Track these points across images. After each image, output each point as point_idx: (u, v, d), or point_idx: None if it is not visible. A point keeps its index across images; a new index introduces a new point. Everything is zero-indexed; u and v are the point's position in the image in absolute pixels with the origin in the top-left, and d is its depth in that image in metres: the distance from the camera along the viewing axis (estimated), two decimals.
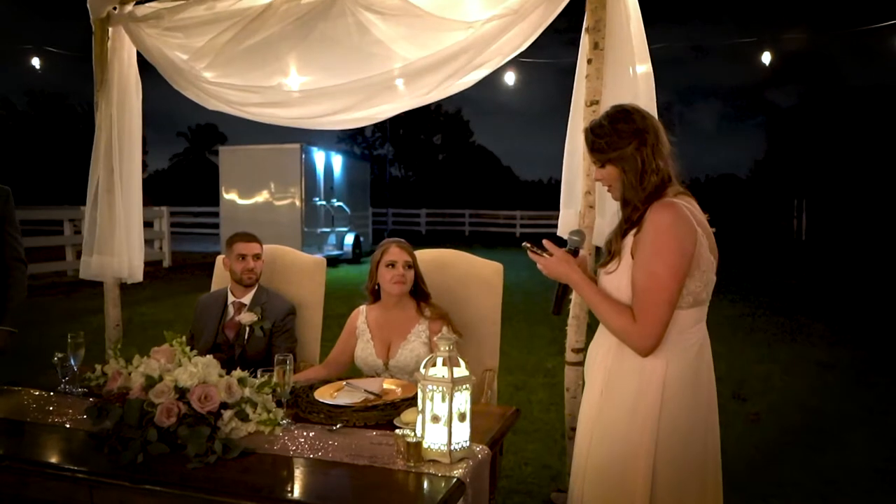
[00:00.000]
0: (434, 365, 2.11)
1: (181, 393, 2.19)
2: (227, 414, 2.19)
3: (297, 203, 15.67)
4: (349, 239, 18.04)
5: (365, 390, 2.63)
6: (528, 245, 2.26)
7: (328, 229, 17.05)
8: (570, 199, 3.17)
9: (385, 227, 27.45)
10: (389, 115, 3.64)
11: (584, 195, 3.04)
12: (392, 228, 28.27)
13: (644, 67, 3.05)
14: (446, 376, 2.06)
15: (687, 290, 2.06)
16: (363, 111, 3.56)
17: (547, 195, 41.39)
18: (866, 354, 7.66)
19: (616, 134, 2.15)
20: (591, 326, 3.20)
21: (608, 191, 2.28)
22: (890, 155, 28.24)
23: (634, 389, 2.12)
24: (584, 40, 3.05)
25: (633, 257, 2.08)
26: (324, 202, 16.77)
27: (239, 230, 3.77)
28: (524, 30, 3.14)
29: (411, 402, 2.53)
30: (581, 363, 3.12)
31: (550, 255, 2.24)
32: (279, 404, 2.35)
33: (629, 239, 2.12)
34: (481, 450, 2.15)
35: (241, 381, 2.27)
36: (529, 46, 3.27)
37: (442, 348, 2.09)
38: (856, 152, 29.68)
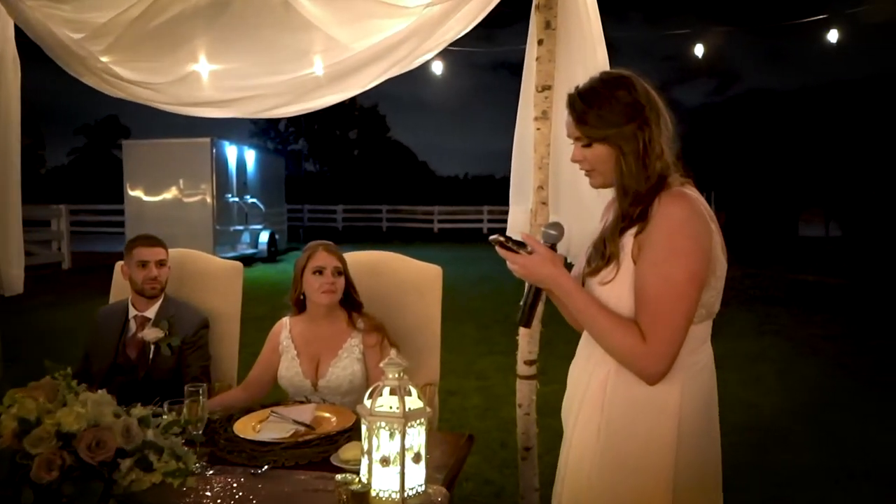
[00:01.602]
0: (381, 394, 1.77)
1: (66, 440, 1.75)
2: (126, 464, 1.76)
3: (209, 200, 14.93)
4: (264, 237, 17.37)
5: (294, 420, 2.25)
6: (500, 239, 1.81)
7: (242, 227, 16.36)
8: (520, 196, 2.85)
9: (301, 224, 26.75)
10: (324, 106, 3.24)
11: (535, 191, 2.72)
12: (308, 225, 27.60)
13: (601, 52, 2.75)
14: (396, 409, 1.71)
15: (701, 300, 1.70)
16: (296, 106, 3.15)
17: (463, 191, 41.44)
18: (791, 346, 7.72)
19: (614, 104, 1.73)
20: (545, 336, 2.94)
21: (588, 175, 1.86)
22: (791, 147, 29.33)
23: (646, 425, 1.73)
24: (534, 19, 2.73)
25: (633, 261, 1.70)
26: (237, 199, 16.07)
27: (146, 229, 3.30)
28: (470, 12, 2.80)
29: (349, 433, 2.18)
30: (534, 377, 2.83)
31: (529, 251, 1.79)
32: (190, 444, 1.96)
33: (627, 239, 1.72)
34: (437, 492, 1.81)
35: (143, 422, 1.85)
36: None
37: (390, 375, 1.75)
38: (761, 148, 30.69)
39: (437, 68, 8.94)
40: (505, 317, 9.33)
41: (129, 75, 3.13)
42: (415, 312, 3.08)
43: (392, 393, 1.75)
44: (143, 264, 3.01)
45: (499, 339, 7.75)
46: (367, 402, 1.74)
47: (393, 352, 1.79)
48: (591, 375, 1.83)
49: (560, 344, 2.01)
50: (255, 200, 16.99)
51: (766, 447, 4.63)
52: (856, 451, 4.60)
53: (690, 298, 1.66)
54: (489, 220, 27.15)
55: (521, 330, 2.81)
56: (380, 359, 2.73)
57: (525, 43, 2.82)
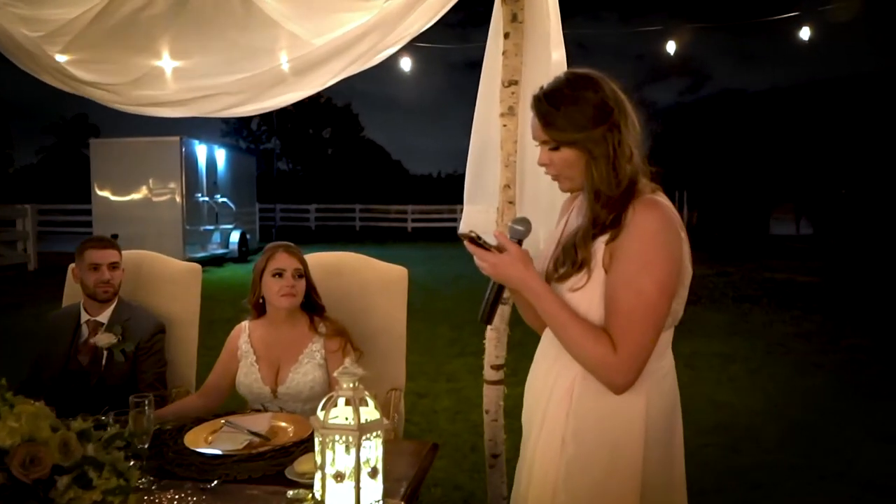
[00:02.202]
0: (335, 405, 1.67)
1: None
2: (63, 481, 1.65)
3: (178, 199, 14.68)
4: (235, 236, 17.15)
5: (248, 431, 2.14)
6: (474, 234, 1.74)
7: (212, 227, 16.13)
8: (475, 194, 2.75)
9: (273, 224, 26.49)
10: (285, 105, 3.14)
11: (502, 189, 2.63)
12: (280, 225, 27.36)
13: (558, 54, 2.68)
14: (351, 420, 1.62)
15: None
16: (255, 104, 3.04)
17: (437, 189, 41.32)
18: (763, 345, 7.73)
19: (581, 105, 1.67)
20: (514, 339, 2.86)
21: (556, 179, 1.80)
22: (762, 146, 29.62)
23: (614, 433, 1.68)
24: (499, 12, 2.64)
25: (605, 270, 1.65)
26: (207, 198, 15.83)
27: (115, 229, 3.17)
28: (433, 6, 2.71)
29: (306, 443, 2.08)
30: (501, 381, 2.75)
31: (501, 250, 1.71)
32: (135, 458, 1.85)
33: (599, 246, 1.67)
34: None
35: (83, 436, 1.74)
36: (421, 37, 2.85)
37: (345, 385, 1.65)
38: (733, 146, 30.93)
39: (407, 65, 8.84)
40: (478, 317, 9.25)
41: (85, 76, 3.01)
42: (380, 315, 2.99)
43: (347, 403, 1.66)
44: (95, 267, 2.89)
45: (471, 340, 7.66)
46: (321, 414, 1.64)
47: (348, 360, 1.69)
48: (556, 382, 1.77)
49: (531, 344, 1.94)
50: (225, 200, 16.76)
51: (739, 448, 4.60)
52: (829, 451, 4.58)
53: (661, 310, 1.63)
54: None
55: (489, 334, 2.74)
56: (342, 364, 2.66)
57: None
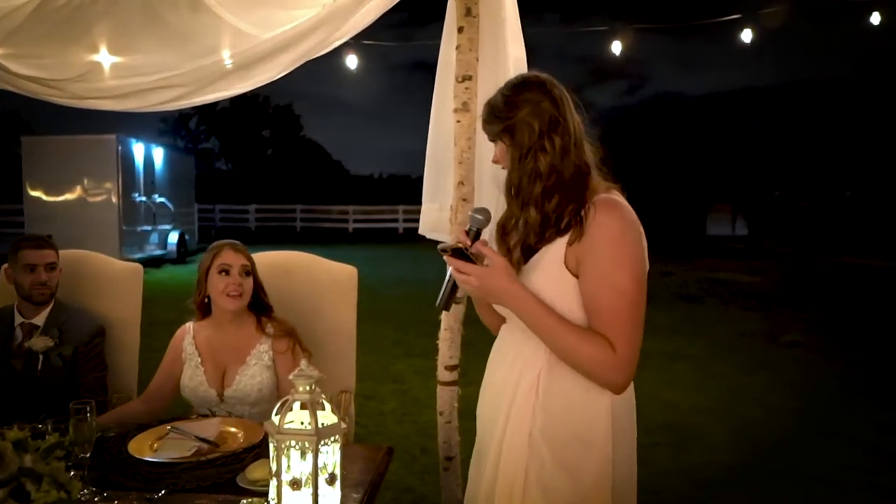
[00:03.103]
0: (290, 409, 1.61)
1: None
2: None
3: (114, 199, 14.23)
4: (173, 237, 16.73)
5: (196, 437, 2.06)
6: (461, 245, 1.70)
7: (149, 227, 15.71)
8: (434, 192, 2.72)
9: (212, 224, 25.94)
10: (229, 97, 3.05)
11: (456, 186, 2.59)
12: (220, 225, 26.82)
13: (517, 50, 2.66)
14: (308, 425, 1.56)
15: None
16: (197, 97, 2.95)
17: (378, 190, 41.04)
18: (708, 344, 7.89)
19: (523, 102, 1.72)
20: (466, 337, 2.82)
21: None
22: (700, 149, 30.33)
23: (581, 427, 1.69)
24: (452, 6, 2.61)
25: (570, 271, 1.66)
26: (144, 198, 15.41)
27: (48, 230, 3.03)
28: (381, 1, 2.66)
29: (258, 449, 2.01)
30: (455, 382, 2.72)
31: (486, 264, 1.69)
32: (77, 468, 1.75)
33: (559, 246, 1.68)
34: None
35: (20, 446, 1.64)
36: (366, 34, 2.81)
37: (301, 389, 1.59)
38: (671, 149, 31.60)
39: (353, 63, 8.71)
40: (423, 318, 9.22)
41: (21, 70, 2.87)
42: (329, 316, 2.92)
43: (303, 407, 1.60)
44: (31, 268, 2.74)
45: (416, 342, 7.66)
46: (276, 419, 1.57)
47: (303, 363, 1.63)
48: (521, 377, 1.75)
49: (481, 344, 1.92)
50: (163, 200, 16.34)
51: (685, 447, 4.66)
52: (775, 448, 4.68)
53: (641, 303, 1.66)
54: (405, 220, 27.00)
55: (442, 334, 2.70)
56: (292, 366, 2.57)
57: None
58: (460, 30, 2.56)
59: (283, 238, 23.87)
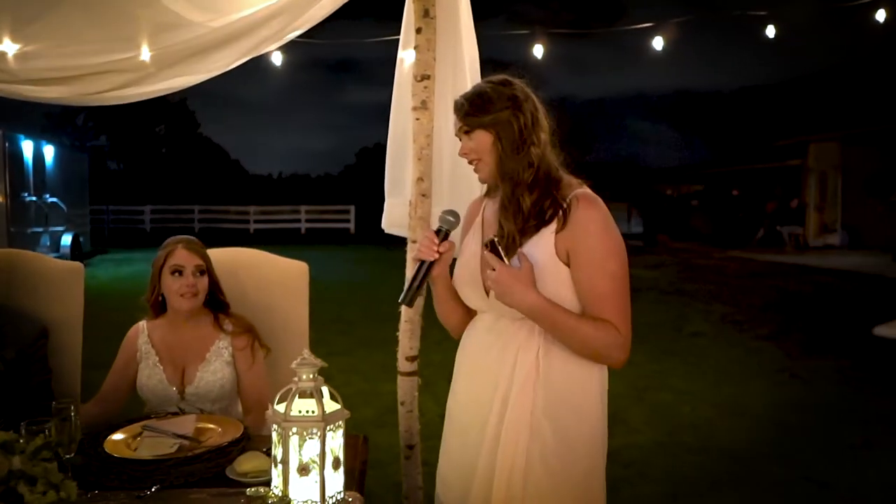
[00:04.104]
0: (284, 399, 1.62)
1: None
2: None
3: (2, 200, 13.36)
4: (66, 239, 15.90)
5: (174, 434, 2.03)
6: (496, 239, 1.81)
7: (41, 229, 14.86)
8: (395, 188, 2.78)
9: (104, 226, 24.80)
10: (177, 89, 2.98)
11: (415, 182, 2.65)
12: (112, 227, 25.73)
13: (471, 51, 2.74)
14: (310, 412, 1.58)
15: None
16: (145, 87, 2.88)
17: (277, 190, 40.31)
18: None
19: (493, 95, 1.86)
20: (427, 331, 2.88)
21: (475, 169, 1.93)
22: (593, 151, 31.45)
23: (578, 401, 1.84)
24: (410, 7, 2.67)
25: (559, 258, 1.80)
26: (34, 198, 14.59)
27: None
28: None
29: (242, 443, 2.01)
30: (415, 373, 2.77)
31: (518, 266, 1.78)
32: (61, 470, 1.70)
33: (547, 236, 1.81)
34: (355, 498, 1.70)
35: (6, 448, 1.58)
36: None
37: (304, 377, 1.61)
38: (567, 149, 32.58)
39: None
40: (338, 317, 9.20)
41: None
42: (281, 314, 2.90)
43: (302, 395, 1.62)
44: None
45: (336, 339, 7.67)
46: (279, 407, 1.59)
47: (306, 351, 1.66)
48: (517, 362, 1.84)
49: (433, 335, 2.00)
50: (55, 200, 15.52)
51: (609, 430, 4.86)
52: (688, 427, 4.98)
53: (628, 286, 1.83)
54: (307, 220, 26.69)
55: (402, 326, 2.75)
56: (251, 362, 2.57)
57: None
58: (418, 30, 2.62)
59: None
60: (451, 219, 1.93)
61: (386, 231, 2.87)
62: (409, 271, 2.50)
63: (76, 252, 16.03)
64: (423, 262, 1.90)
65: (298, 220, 26.87)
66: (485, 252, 1.81)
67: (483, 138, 1.86)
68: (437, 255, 1.90)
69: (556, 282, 1.79)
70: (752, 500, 3.91)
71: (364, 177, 37.10)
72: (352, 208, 26.54)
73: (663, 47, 7.51)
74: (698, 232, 23.40)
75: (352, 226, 26.52)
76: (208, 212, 27.90)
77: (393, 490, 3.53)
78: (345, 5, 2.70)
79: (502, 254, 1.79)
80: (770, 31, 7.44)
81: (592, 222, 1.78)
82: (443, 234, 1.91)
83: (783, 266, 15.65)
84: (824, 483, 4.06)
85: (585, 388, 1.84)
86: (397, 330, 2.75)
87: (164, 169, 42.99)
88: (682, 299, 11.03)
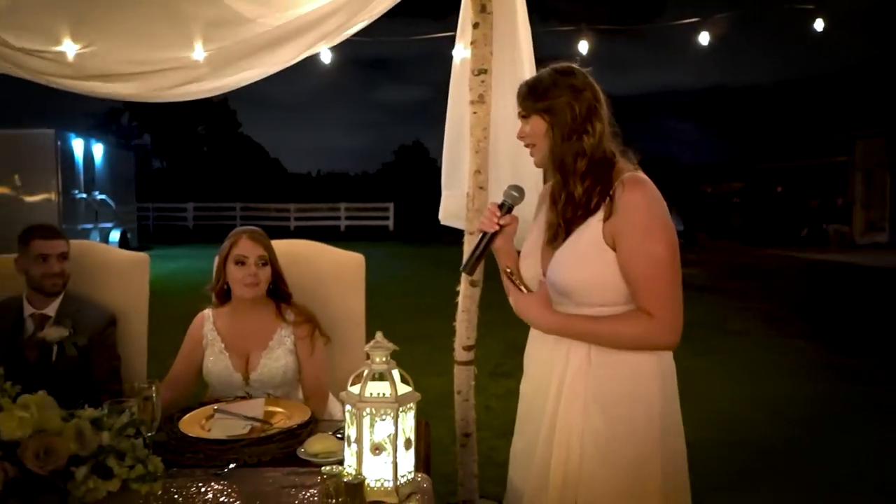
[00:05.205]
0: (357, 381, 1.68)
1: (7, 449, 1.56)
2: (81, 472, 1.58)
3: (54, 197, 13.74)
4: (115, 235, 16.35)
5: (246, 417, 2.10)
6: (508, 271, 1.97)
7: (91, 225, 15.26)
8: (452, 180, 2.83)
9: (148, 223, 25.28)
10: (246, 83, 3.07)
11: (472, 175, 2.69)
12: (156, 224, 26.21)
13: (527, 44, 2.78)
14: (382, 394, 1.64)
15: None
16: (213, 82, 2.96)
17: (315, 187, 40.58)
18: None
19: (554, 81, 1.89)
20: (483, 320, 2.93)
21: (531, 153, 1.97)
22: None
23: (631, 388, 1.84)
24: (467, 3, 2.71)
25: (610, 246, 1.80)
26: (84, 195, 14.95)
27: None
28: None
29: (310, 426, 2.08)
30: (472, 362, 2.82)
31: (527, 290, 1.91)
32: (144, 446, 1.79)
33: (595, 224, 1.82)
34: (423, 478, 1.76)
35: (97, 424, 1.66)
36: None
37: (377, 359, 1.67)
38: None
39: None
40: (379, 312, 9.22)
41: (24, 44, 2.82)
42: (338, 305, 2.96)
43: (374, 378, 1.68)
44: (43, 258, 2.71)
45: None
46: (354, 389, 1.65)
47: (379, 335, 1.71)
48: (570, 352, 1.88)
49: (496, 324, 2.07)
50: (104, 197, 15.91)
51: None
52: (724, 423, 4.99)
53: (676, 266, 1.82)
54: (346, 217, 26.89)
55: (459, 315, 2.80)
56: (311, 351, 2.64)
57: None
58: (475, 25, 2.66)
59: (224, 236, 23.46)
60: (516, 193, 1.98)
61: (442, 222, 2.91)
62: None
63: (123, 248, 16.41)
64: (484, 234, 1.96)
65: (338, 218, 27.06)
66: (505, 281, 1.93)
67: (538, 124, 1.90)
68: (497, 227, 1.95)
69: (606, 270, 1.81)
70: (789, 495, 3.88)
71: (404, 174, 37.25)
72: (391, 206, 26.70)
73: (709, 42, 7.40)
74: (739, 230, 23.07)
75: (391, 223, 26.67)
76: (249, 209, 28.22)
77: (442, 481, 3.58)
78: (401, 2, 2.75)
79: (516, 283, 1.92)
80: (818, 25, 7.29)
81: (634, 205, 1.78)
82: (506, 208, 1.96)
83: (827, 264, 15.37)
84: (861, 477, 4.04)
85: (639, 375, 1.84)
86: (453, 320, 2.80)
87: (205, 167, 43.63)
88: (721, 297, 10.90)
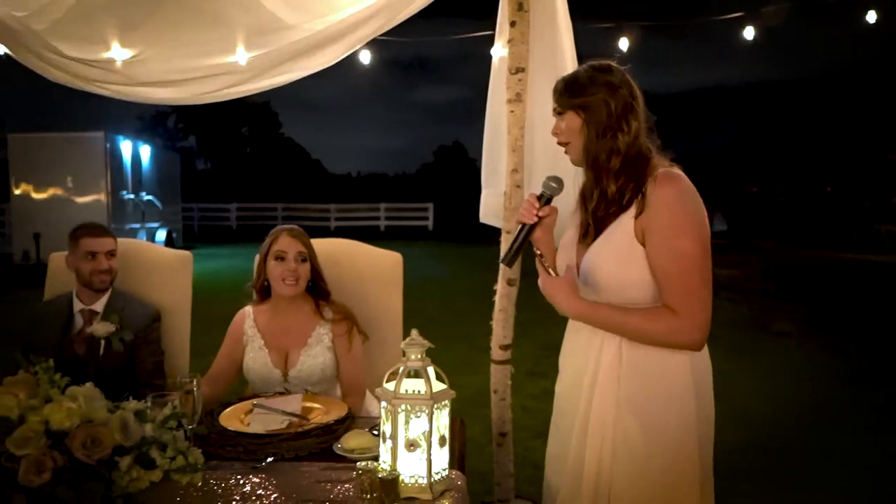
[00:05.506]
0: (392, 378, 1.70)
1: (56, 438, 1.61)
2: (125, 462, 1.63)
3: (103, 198, 14.07)
4: (161, 235, 16.68)
5: (284, 412, 2.14)
6: (538, 253, 1.96)
7: (138, 225, 15.60)
8: (491, 179, 2.84)
9: (192, 223, 25.73)
10: (284, 83, 3.13)
11: (509, 174, 2.70)
12: (201, 224, 26.67)
13: (568, 42, 2.77)
14: (417, 391, 1.66)
15: None
16: (256, 83, 3.03)
17: (356, 188, 40.96)
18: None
19: (590, 79, 1.87)
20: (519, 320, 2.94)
21: (566, 151, 1.95)
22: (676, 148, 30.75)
23: (663, 388, 1.81)
24: (505, 2, 2.72)
25: (640, 243, 1.79)
26: (132, 196, 15.30)
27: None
28: None
29: (347, 422, 2.11)
30: (508, 361, 2.82)
31: (556, 274, 1.89)
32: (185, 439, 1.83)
33: (627, 220, 1.81)
34: (457, 476, 1.77)
35: (140, 416, 1.72)
36: None
37: (413, 357, 1.69)
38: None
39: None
40: (417, 311, 9.21)
41: (76, 54, 2.91)
42: (375, 304, 2.98)
43: (409, 375, 1.69)
44: (92, 255, 2.80)
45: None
46: (390, 385, 1.67)
47: (415, 332, 1.73)
48: (602, 350, 1.87)
49: (531, 325, 2.06)
50: (151, 198, 16.25)
51: None
52: (762, 426, 4.88)
53: (706, 264, 1.77)
54: (386, 217, 27.01)
55: (496, 315, 2.80)
56: (349, 348, 2.67)
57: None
58: (512, 24, 2.66)
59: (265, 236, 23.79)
60: (554, 185, 1.97)
61: (482, 220, 2.92)
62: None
63: (169, 247, 16.71)
64: (523, 225, 1.96)
65: (378, 218, 27.19)
66: (538, 263, 1.91)
67: (573, 120, 1.88)
68: (535, 219, 1.94)
69: (638, 266, 1.79)
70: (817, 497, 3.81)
71: (443, 175, 37.30)
72: (430, 206, 26.76)
73: (754, 37, 7.28)
74: (785, 229, 22.62)
75: (430, 223, 26.72)
76: (291, 209, 28.50)
77: (476, 480, 3.59)
78: (438, 2, 2.76)
79: (546, 266, 1.89)
80: (871, 17, 7.11)
81: (665, 199, 1.75)
82: (545, 199, 1.96)
83: (878, 266, 14.96)
84: None
85: (672, 377, 1.81)
86: (490, 319, 2.81)
87: (248, 168, 44.29)
88: (765, 299, 10.70)
